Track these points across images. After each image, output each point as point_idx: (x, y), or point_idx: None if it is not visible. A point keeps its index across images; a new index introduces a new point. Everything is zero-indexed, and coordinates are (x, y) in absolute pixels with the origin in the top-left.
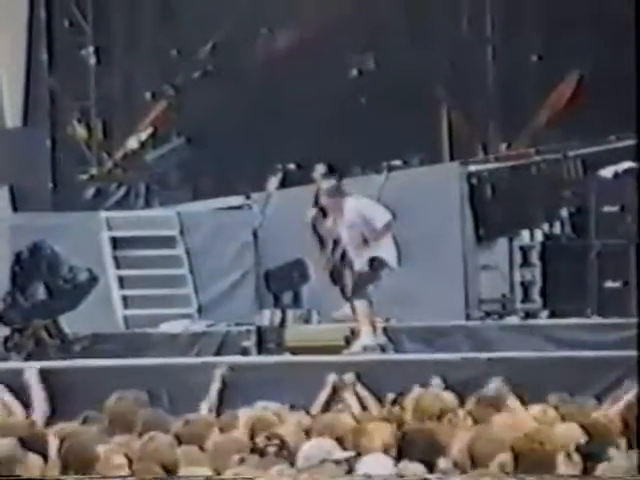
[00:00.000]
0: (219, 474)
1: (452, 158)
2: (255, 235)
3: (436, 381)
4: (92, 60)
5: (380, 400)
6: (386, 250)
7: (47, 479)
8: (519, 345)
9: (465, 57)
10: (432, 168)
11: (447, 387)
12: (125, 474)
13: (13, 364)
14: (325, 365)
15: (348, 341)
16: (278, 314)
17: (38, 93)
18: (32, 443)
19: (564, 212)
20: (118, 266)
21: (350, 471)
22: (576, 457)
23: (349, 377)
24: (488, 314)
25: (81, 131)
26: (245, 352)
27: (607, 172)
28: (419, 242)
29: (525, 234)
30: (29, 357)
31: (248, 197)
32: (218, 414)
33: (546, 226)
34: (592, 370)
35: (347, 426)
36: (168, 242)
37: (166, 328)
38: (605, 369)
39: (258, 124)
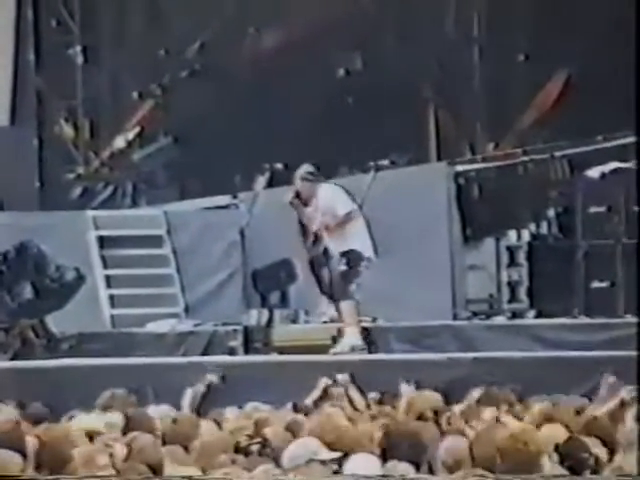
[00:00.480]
0: (205, 474)
1: (439, 158)
2: (242, 235)
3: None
4: (79, 59)
5: (366, 400)
6: (359, 241)
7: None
8: (506, 345)
9: (452, 57)
10: (419, 168)
11: (433, 387)
12: (110, 474)
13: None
14: (312, 365)
15: (335, 340)
16: (265, 314)
17: (25, 92)
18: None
19: (551, 212)
20: (105, 265)
21: (337, 471)
22: (555, 457)
23: (343, 377)
24: (475, 314)
25: (68, 130)
26: (232, 352)
27: (594, 172)
28: (406, 242)
29: (512, 234)
30: (15, 357)
31: (235, 197)
32: (198, 415)
33: (533, 226)
34: (579, 370)
35: (336, 426)
36: (155, 241)
37: (153, 328)
38: (592, 369)
39: (245, 124)
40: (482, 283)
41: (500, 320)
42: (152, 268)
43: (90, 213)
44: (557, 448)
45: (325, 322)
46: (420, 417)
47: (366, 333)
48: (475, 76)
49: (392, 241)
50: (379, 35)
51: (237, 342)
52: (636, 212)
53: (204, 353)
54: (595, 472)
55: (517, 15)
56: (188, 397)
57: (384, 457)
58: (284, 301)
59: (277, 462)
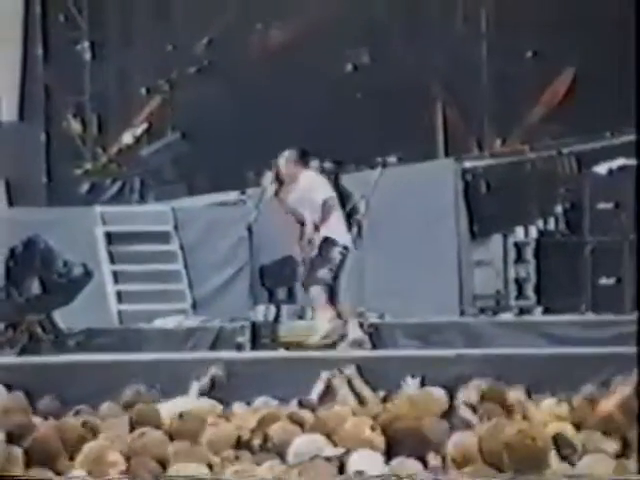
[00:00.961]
0: (211, 469)
1: (447, 154)
2: (250, 231)
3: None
4: (87, 55)
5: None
6: (335, 229)
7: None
8: (513, 341)
9: (460, 53)
10: (427, 164)
11: (441, 384)
12: (121, 471)
13: (6, 359)
14: (319, 361)
15: (342, 337)
16: (272, 310)
17: (33, 88)
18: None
19: (558, 209)
20: (113, 261)
21: (342, 468)
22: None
23: (350, 371)
24: (482, 310)
25: (76, 126)
26: (239, 348)
27: (601, 169)
28: (414, 238)
29: (519, 230)
30: (23, 352)
31: (243, 192)
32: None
33: (540, 222)
34: (586, 366)
35: (341, 421)
36: (163, 237)
37: (160, 323)
38: (599, 365)
39: (253, 119)
40: (489, 279)
41: (507, 316)
42: (160, 264)
43: (98, 209)
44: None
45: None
46: (426, 413)
47: (373, 328)
48: (483, 72)
49: (399, 237)
50: (387, 31)
51: (244, 338)
52: None
53: (212, 349)
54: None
55: (525, 12)
56: (194, 391)
57: (388, 454)
58: (291, 297)
59: (282, 458)
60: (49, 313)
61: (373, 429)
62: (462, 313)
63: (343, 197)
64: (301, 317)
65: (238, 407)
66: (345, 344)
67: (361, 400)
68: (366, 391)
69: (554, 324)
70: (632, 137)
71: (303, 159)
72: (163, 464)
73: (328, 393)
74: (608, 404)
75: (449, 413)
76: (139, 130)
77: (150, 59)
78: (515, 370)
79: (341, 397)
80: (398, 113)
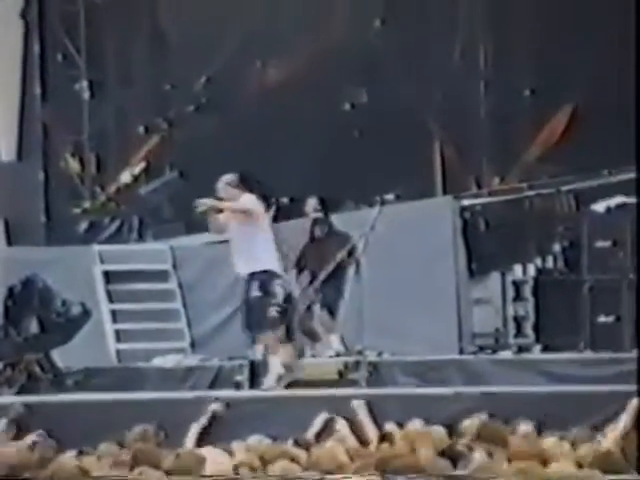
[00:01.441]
0: None
1: (445, 192)
2: None
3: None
4: (86, 94)
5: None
6: (268, 257)
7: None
8: (512, 379)
9: (458, 91)
10: (425, 202)
11: (440, 421)
12: None
13: (4, 399)
14: (318, 399)
15: (342, 375)
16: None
17: (32, 127)
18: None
19: (557, 247)
20: (111, 300)
21: None
22: None
23: (358, 403)
24: (481, 348)
25: (74, 165)
26: (238, 386)
27: (600, 207)
28: (412, 276)
29: (518, 268)
30: (21, 391)
31: None
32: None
33: (539, 260)
34: (585, 405)
35: (338, 460)
36: (161, 276)
37: (159, 362)
38: (598, 404)
39: (251, 157)
40: (488, 317)
41: (506, 354)
42: (158, 302)
43: (96, 248)
44: None
45: (331, 356)
46: (425, 451)
47: (372, 366)
48: (481, 110)
49: (398, 275)
50: (385, 69)
51: (243, 377)
52: None
53: (210, 388)
54: None
55: (523, 49)
56: (193, 432)
57: None
58: (289, 335)
59: None
60: (47, 352)
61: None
62: (461, 351)
63: (338, 235)
64: (300, 355)
65: (237, 445)
66: (267, 385)
67: (361, 439)
68: (369, 427)
69: (553, 362)
70: (630, 175)
71: (243, 183)
72: None
73: (326, 431)
74: (607, 442)
75: (448, 451)
76: (137, 169)
77: (148, 98)
78: (514, 408)
79: (340, 436)
80: (396, 151)
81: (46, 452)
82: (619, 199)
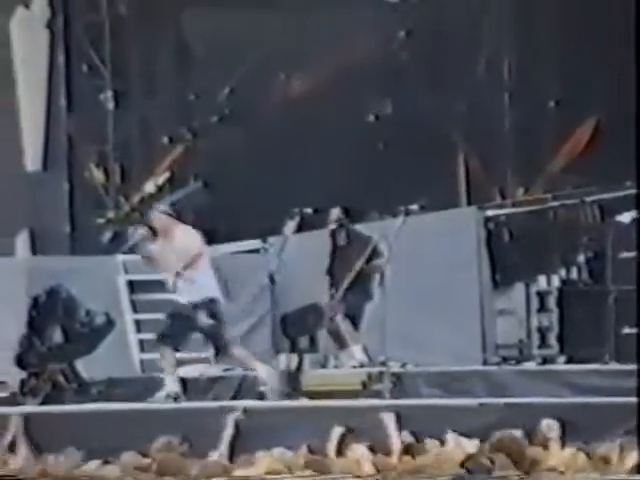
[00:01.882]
0: None
1: (469, 203)
2: (271, 279)
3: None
4: (110, 104)
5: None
6: (212, 285)
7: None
8: (536, 391)
9: (482, 102)
10: (449, 212)
11: (464, 433)
12: None
13: (29, 408)
14: (341, 410)
15: (365, 386)
16: (294, 359)
17: (57, 137)
18: None
19: (581, 257)
20: (135, 310)
21: None
22: None
23: (388, 417)
24: (505, 359)
25: (99, 175)
26: (261, 397)
27: (624, 218)
28: (436, 286)
29: (542, 279)
30: (45, 401)
31: (265, 241)
32: (231, 460)
33: (563, 271)
34: (610, 416)
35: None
36: None
37: (183, 372)
38: (623, 415)
39: (275, 168)
40: (512, 328)
41: (530, 366)
42: None
43: (120, 257)
44: None
45: (354, 367)
46: (448, 462)
47: (395, 377)
48: (505, 121)
49: (421, 285)
50: (409, 80)
51: (266, 387)
52: None
53: (233, 398)
54: None
55: (548, 61)
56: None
57: None
58: (313, 346)
59: None
60: (71, 362)
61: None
62: (485, 362)
63: (359, 240)
64: (323, 366)
65: (260, 456)
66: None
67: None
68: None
69: (577, 373)
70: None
71: (174, 214)
72: None
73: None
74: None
75: (471, 462)
76: (161, 179)
77: (172, 108)
78: (538, 419)
79: (360, 448)
80: (420, 162)
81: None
82: None
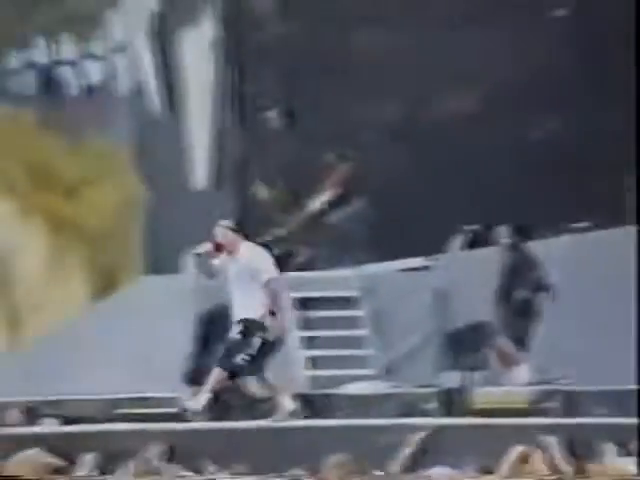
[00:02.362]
0: None
1: (639, 222)
2: (439, 296)
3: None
4: (277, 122)
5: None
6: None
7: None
8: None
9: None
10: (612, 231)
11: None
12: None
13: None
14: (512, 428)
15: (532, 404)
16: (463, 376)
17: (224, 155)
18: None
19: None
20: (302, 327)
21: None
22: None
23: (551, 440)
24: None
25: (265, 193)
26: (427, 415)
27: None
28: (596, 305)
29: None
30: (214, 418)
31: (431, 258)
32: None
33: None
34: None
35: None
36: (350, 303)
37: (353, 389)
38: None
39: (442, 184)
40: None
41: None
42: (347, 329)
43: (288, 274)
44: None
45: (522, 385)
46: None
47: (564, 395)
48: None
49: (583, 304)
50: (577, 96)
51: (433, 405)
52: None
53: (399, 416)
54: None
55: None
56: (399, 458)
57: None
58: (479, 364)
59: None
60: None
61: None
62: None
63: (529, 263)
64: (493, 384)
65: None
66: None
67: (556, 470)
68: (562, 463)
69: None
70: None
71: (240, 230)
72: None
73: (521, 462)
74: None
75: None
76: (328, 196)
77: (338, 126)
78: None
79: (535, 468)
80: (589, 179)
81: None
82: None
